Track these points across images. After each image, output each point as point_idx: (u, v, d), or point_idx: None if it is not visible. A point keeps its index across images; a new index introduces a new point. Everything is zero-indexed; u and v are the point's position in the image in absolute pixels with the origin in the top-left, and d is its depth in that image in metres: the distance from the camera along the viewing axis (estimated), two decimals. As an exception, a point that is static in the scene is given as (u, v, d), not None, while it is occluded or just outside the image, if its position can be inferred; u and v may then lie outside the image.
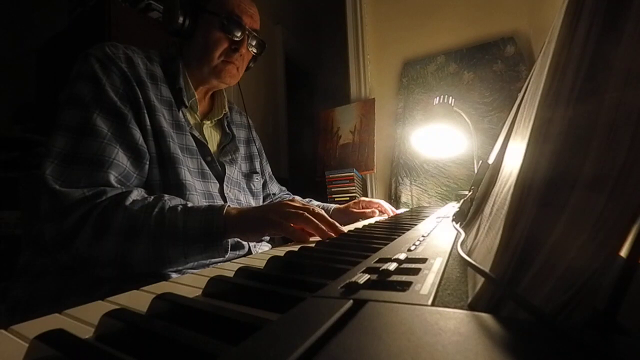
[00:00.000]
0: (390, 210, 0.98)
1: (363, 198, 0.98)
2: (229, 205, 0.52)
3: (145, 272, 0.52)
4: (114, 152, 0.54)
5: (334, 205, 0.99)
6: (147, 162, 0.59)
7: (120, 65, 0.59)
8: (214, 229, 0.49)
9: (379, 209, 0.96)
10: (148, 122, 0.60)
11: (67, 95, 0.56)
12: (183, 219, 0.49)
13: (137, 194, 0.53)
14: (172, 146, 0.62)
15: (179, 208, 0.51)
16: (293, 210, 0.51)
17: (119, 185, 0.54)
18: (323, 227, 0.50)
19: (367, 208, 0.95)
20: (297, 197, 1.03)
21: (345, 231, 0.54)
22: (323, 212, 0.53)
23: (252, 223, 0.51)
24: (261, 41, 0.77)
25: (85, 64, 0.57)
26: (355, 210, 0.93)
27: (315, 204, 1.00)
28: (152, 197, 0.53)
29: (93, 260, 0.49)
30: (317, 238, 0.51)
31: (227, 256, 0.65)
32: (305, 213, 0.50)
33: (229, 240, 0.52)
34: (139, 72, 0.62)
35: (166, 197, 0.53)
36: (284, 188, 1.08)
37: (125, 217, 0.49)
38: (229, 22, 0.69)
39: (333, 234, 0.51)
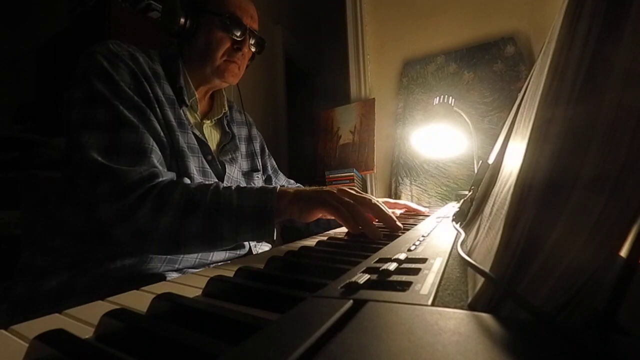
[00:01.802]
0: (418, 208, 0.92)
1: (387, 199, 0.93)
2: (282, 186, 0.53)
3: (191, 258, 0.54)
4: (150, 140, 0.56)
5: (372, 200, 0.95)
6: (169, 154, 0.61)
7: (127, 62, 0.59)
8: (267, 207, 0.50)
9: (407, 208, 0.91)
10: (160, 116, 0.61)
11: (83, 94, 0.55)
12: (237, 196, 0.51)
13: (188, 180, 0.56)
14: (181, 140, 0.63)
15: (233, 187, 0.53)
16: (347, 199, 0.51)
17: (165, 169, 0.56)
18: (386, 217, 0.52)
19: (393, 208, 0.90)
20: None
21: (402, 227, 0.53)
22: (381, 205, 0.53)
23: (307, 202, 0.51)
24: (261, 40, 0.77)
25: (93, 62, 0.57)
26: None
27: (348, 190, 0.95)
28: (206, 181, 0.56)
29: (149, 235, 0.51)
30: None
31: (226, 256, 0.65)
32: (358, 206, 0.50)
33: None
34: (144, 69, 0.62)
35: (217, 181, 0.56)
36: (291, 181, 1.07)
37: (183, 193, 0.51)
38: (231, 22, 0.70)
39: (390, 228, 0.52)
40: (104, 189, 0.50)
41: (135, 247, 0.54)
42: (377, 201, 0.54)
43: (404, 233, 0.46)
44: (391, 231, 0.52)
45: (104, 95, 0.55)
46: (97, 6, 1.28)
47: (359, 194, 0.53)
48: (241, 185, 0.54)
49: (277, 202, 0.50)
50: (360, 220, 0.49)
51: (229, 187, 0.53)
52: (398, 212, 0.91)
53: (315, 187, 0.55)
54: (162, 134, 0.59)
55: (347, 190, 0.53)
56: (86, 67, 0.57)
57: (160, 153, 0.58)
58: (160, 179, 0.53)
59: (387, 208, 0.54)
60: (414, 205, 0.92)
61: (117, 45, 0.61)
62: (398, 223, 0.53)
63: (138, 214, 0.50)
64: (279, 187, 0.52)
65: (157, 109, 0.61)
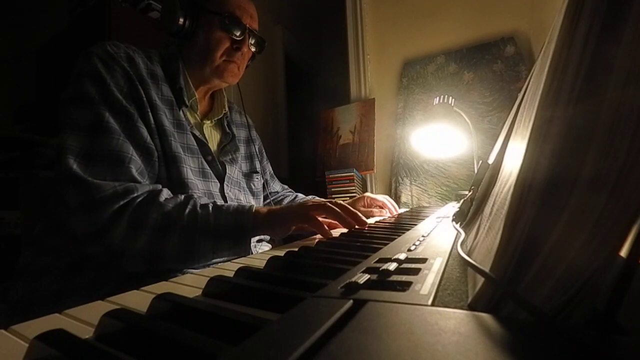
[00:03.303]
0: (393, 207, 0.97)
1: (367, 194, 0.98)
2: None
3: (169, 269, 0.54)
4: (130, 149, 0.55)
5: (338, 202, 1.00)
6: (157, 160, 0.60)
7: (123, 64, 0.59)
8: (244, 226, 0.53)
9: (383, 207, 0.95)
10: (152, 121, 0.60)
11: (73, 94, 0.55)
12: (214, 216, 0.53)
13: (167, 193, 0.56)
14: (174, 145, 0.62)
15: (210, 206, 0.54)
16: (317, 203, 0.56)
17: (142, 180, 0.56)
18: (345, 216, 0.55)
19: (371, 205, 0.95)
20: (300, 195, 1.03)
21: (369, 222, 0.59)
22: (345, 204, 0.57)
23: (280, 217, 0.55)
24: (261, 39, 0.77)
25: (88, 63, 0.57)
26: (361, 208, 0.93)
27: (317, 200, 1.00)
28: (183, 196, 0.56)
29: (126, 254, 0.51)
30: (337, 232, 0.57)
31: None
32: (328, 204, 0.55)
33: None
34: (140, 71, 0.62)
35: (195, 196, 0.56)
36: (285, 186, 1.07)
37: (160, 213, 0.51)
38: (230, 21, 0.69)
39: (355, 224, 0.57)
40: (75, 200, 0.50)
41: (108, 262, 0.54)
42: (342, 205, 0.57)
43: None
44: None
45: (91, 98, 0.55)
46: (97, 6, 1.28)
47: (326, 202, 0.57)
48: (218, 203, 0.55)
49: (252, 221, 0.53)
50: (332, 215, 0.55)
51: (205, 205, 0.54)
52: (376, 210, 0.94)
53: (287, 204, 0.57)
54: (148, 139, 0.58)
55: (313, 200, 0.58)
56: (81, 68, 0.57)
57: (140, 162, 0.57)
58: (135, 195, 0.52)
59: (351, 213, 0.57)
60: (389, 204, 0.96)
61: (115, 47, 0.61)
62: (363, 218, 0.58)
63: (113, 233, 0.50)
64: (254, 206, 0.55)
65: (150, 114, 0.60)
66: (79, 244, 0.53)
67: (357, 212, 0.57)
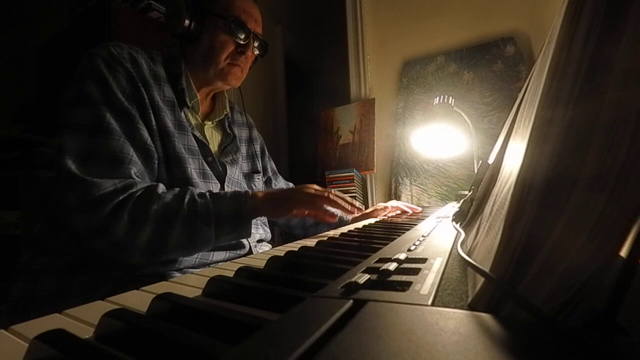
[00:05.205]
0: (406, 208, 0.95)
1: (380, 204, 0.96)
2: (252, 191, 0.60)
3: (168, 262, 0.56)
4: (130, 150, 0.55)
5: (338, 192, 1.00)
6: (156, 162, 0.60)
7: (126, 66, 0.59)
8: (244, 209, 0.56)
9: (402, 211, 0.94)
10: (154, 122, 0.60)
11: (75, 94, 0.55)
12: (214, 202, 0.55)
13: (163, 187, 0.57)
14: (177, 146, 0.62)
15: (207, 194, 0.56)
16: (319, 193, 0.61)
17: (141, 180, 0.56)
18: (345, 205, 0.62)
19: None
20: None
21: (369, 222, 0.67)
22: (341, 194, 0.64)
23: (281, 201, 0.60)
24: (265, 43, 0.78)
25: (91, 64, 0.57)
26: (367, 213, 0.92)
27: (316, 187, 0.99)
28: (179, 189, 0.57)
29: (129, 247, 0.51)
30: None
31: (226, 256, 0.65)
32: (331, 195, 0.61)
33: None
34: (143, 72, 0.62)
35: (191, 187, 0.58)
36: (290, 184, 1.07)
37: (160, 204, 0.53)
38: (236, 25, 0.70)
39: (354, 212, 0.65)
40: (76, 199, 0.50)
41: (113, 258, 0.54)
42: (335, 192, 0.64)
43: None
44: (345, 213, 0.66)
45: (93, 99, 0.55)
46: (97, 6, 1.28)
47: (319, 188, 0.63)
48: (214, 192, 0.58)
49: (251, 204, 0.57)
50: (338, 205, 0.62)
51: (202, 193, 0.56)
52: (380, 209, 0.93)
53: (287, 188, 0.66)
54: (148, 141, 0.58)
55: (310, 186, 0.63)
56: (83, 69, 0.57)
57: (141, 164, 0.57)
58: (134, 190, 0.53)
59: (343, 195, 0.65)
60: (404, 207, 0.95)
61: (118, 48, 0.61)
62: (354, 208, 0.65)
63: (115, 228, 0.50)
64: (249, 191, 0.58)
65: (152, 115, 0.60)
66: (82, 242, 0.53)
67: (353, 201, 0.64)
